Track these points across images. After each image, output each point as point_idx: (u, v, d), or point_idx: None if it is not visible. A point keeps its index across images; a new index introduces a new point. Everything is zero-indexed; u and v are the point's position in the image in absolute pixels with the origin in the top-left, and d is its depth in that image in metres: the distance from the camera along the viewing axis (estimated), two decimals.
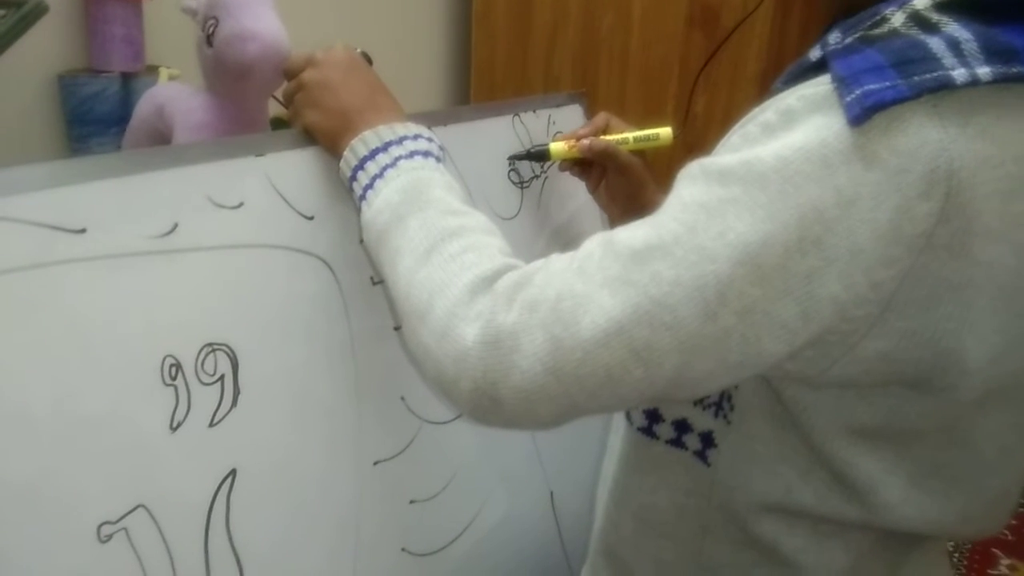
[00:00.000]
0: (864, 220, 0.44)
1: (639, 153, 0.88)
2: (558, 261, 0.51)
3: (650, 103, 1.59)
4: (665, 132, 0.87)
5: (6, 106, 1.08)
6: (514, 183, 0.95)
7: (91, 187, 0.53)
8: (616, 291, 0.47)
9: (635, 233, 0.49)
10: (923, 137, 0.44)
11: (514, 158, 0.93)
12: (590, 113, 1.09)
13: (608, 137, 0.87)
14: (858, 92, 0.44)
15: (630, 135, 0.88)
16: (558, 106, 1.04)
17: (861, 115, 0.44)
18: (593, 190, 0.92)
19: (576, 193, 1.03)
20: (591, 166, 0.90)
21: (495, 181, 0.92)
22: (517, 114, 0.96)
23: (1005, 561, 1.86)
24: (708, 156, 0.50)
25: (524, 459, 0.95)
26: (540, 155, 0.91)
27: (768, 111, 0.48)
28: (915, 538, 0.63)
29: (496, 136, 0.93)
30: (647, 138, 0.88)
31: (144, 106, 1.01)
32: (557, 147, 0.90)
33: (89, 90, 1.09)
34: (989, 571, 1.83)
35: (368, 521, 0.72)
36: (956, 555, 1.89)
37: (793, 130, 0.46)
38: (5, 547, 0.48)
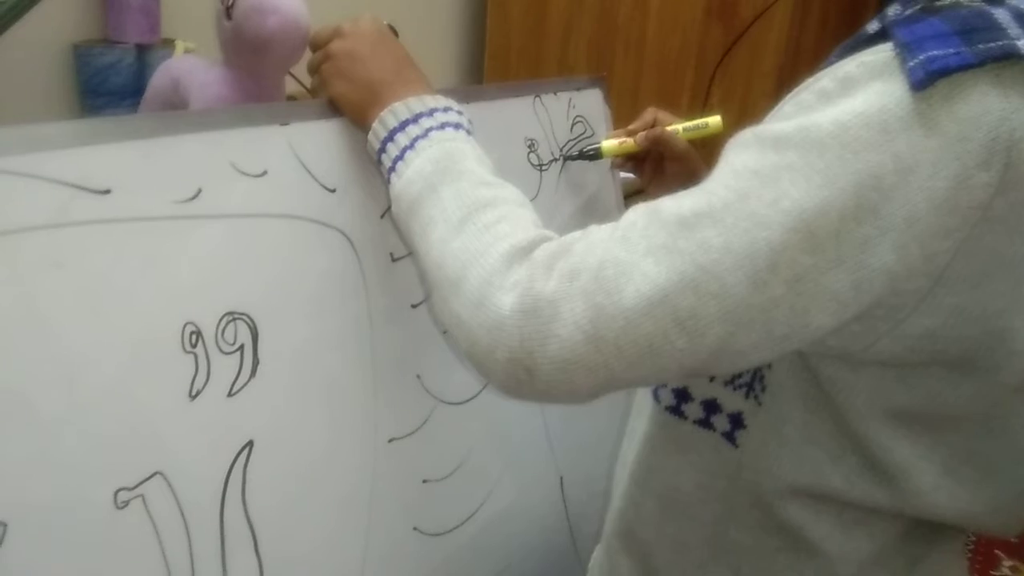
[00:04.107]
0: (922, 188, 0.44)
1: (692, 143, 0.89)
2: (599, 231, 0.50)
3: (666, 94, 1.58)
4: (715, 120, 0.88)
5: (21, 75, 1.07)
6: (533, 165, 0.94)
7: (116, 148, 0.52)
8: (661, 259, 0.46)
9: (682, 202, 0.48)
10: (985, 106, 0.43)
11: (568, 159, 0.96)
12: (609, 100, 1.08)
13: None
14: (922, 57, 0.43)
15: (679, 126, 0.89)
16: (578, 89, 1.03)
17: (925, 79, 0.43)
18: (647, 184, 0.92)
19: (595, 178, 1.02)
20: (644, 160, 0.92)
21: (514, 162, 0.91)
22: (538, 96, 0.95)
23: (1007, 563, 1.86)
24: (760, 124, 0.49)
25: (535, 443, 0.95)
26: (593, 154, 0.94)
27: (824, 79, 0.47)
28: (938, 534, 0.62)
29: (516, 117, 0.92)
30: (697, 127, 0.88)
31: (159, 79, 1.00)
32: (609, 145, 0.93)
33: (104, 61, 1.08)
34: (992, 572, 1.83)
35: (380, 498, 0.72)
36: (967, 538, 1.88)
37: (852, 96, 0.45)
38: (21, 509, 0.47)
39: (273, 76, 0.97)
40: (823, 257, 0.44)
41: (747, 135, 0.48)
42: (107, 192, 0.51)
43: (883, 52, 0.46)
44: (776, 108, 0.51)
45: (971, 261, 0.46)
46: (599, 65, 1.63)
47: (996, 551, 1.90)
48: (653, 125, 0.90)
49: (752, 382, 0.59)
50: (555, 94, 0.98)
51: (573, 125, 1.01)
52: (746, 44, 1.46)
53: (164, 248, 0.54)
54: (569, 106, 1.01)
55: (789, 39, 1.45)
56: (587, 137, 1.03)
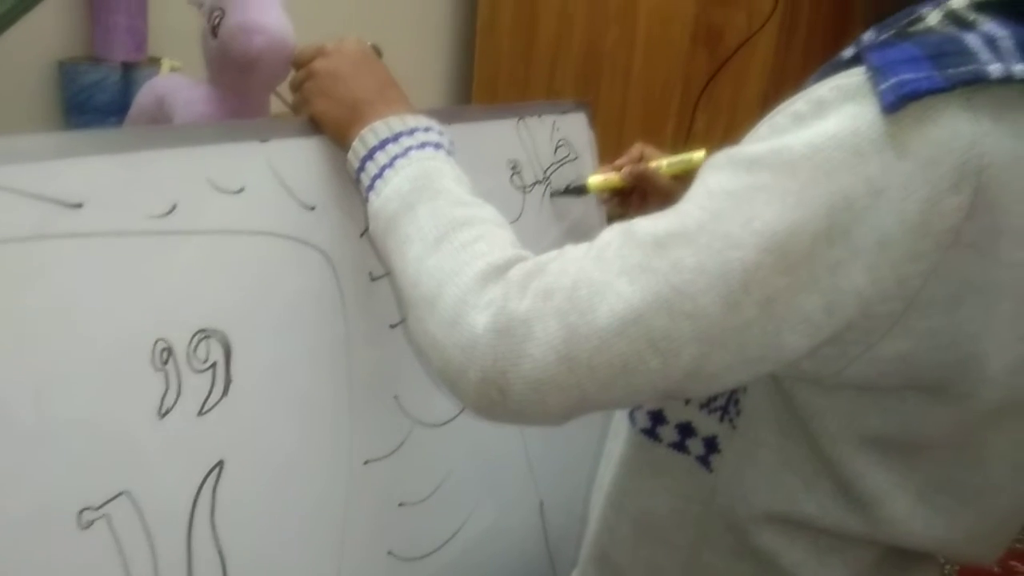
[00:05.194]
0: (893, 211, 0.44)
1: (677, 178, 0.90)
2: (574, 251, 0.50)
3: (651, 121, 1.59)
4: (699, 155, 0.89)
5: (5, 90, 1.07)
6: (516, 187, 0.94)
7: (90, 161, 0.52)
8: (635, 279, 0.46)
9: (657, 222, 0.48)
10: (955, 129, 0.44)
11: (554, 194, 0.97)
12: (594, 125, 1.09)
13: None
14: (893, 81, 0.44)
15: (664, 161, 0.91)
16: (563, 113, 1.03)
17: (896, 102, 0.43)
18: (632, 217, 0.93)
19: (578, 201, 1.02)
20: (630, 195, 0.93)
21: (497, 184, 0.91)
22: (521, 118, 0.96)
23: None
24: (735, 146, 0.49)
25: (515, 467, 0.94)
26: (579, 190, 0.96)
27: (798, 102, 0.48)
28: (913, 562, 0.62)
29: (499, 139, 0.93)
30: (681, 162, 0.89)
31: (144, 97, 1.00)
32: (595, 180, 0.94)
33: (90, 78, 1.08)
34: None
35: (355, 521, 0.71)
36: (947, 566, 1.87)
37: (825, 119, 0.46)
38: None
39: (258, 95, 0.98)
40: (795, 278, 0.45)
41: (721, 157, 0.49)
42: (79, 206, 0.51)
43: (856, 76, 0.47)
44: (753, 130, 0.51)
45: (943, 285, 0.46)
46: (586, 91, 1.64)
47: None
48: (640, 160, 0.91)
49: (727, 405, 0.59)
50: (539, 117, 0.99)
51: (557, 148, 1.02)
52: (731, 71, 1.48)
53: (137, 263, 0.54)
54: (553, 129, 1.01)
55: (774, 67, 1.46)
56: (571, 160, 1.04)
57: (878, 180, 0.44)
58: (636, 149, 0.92)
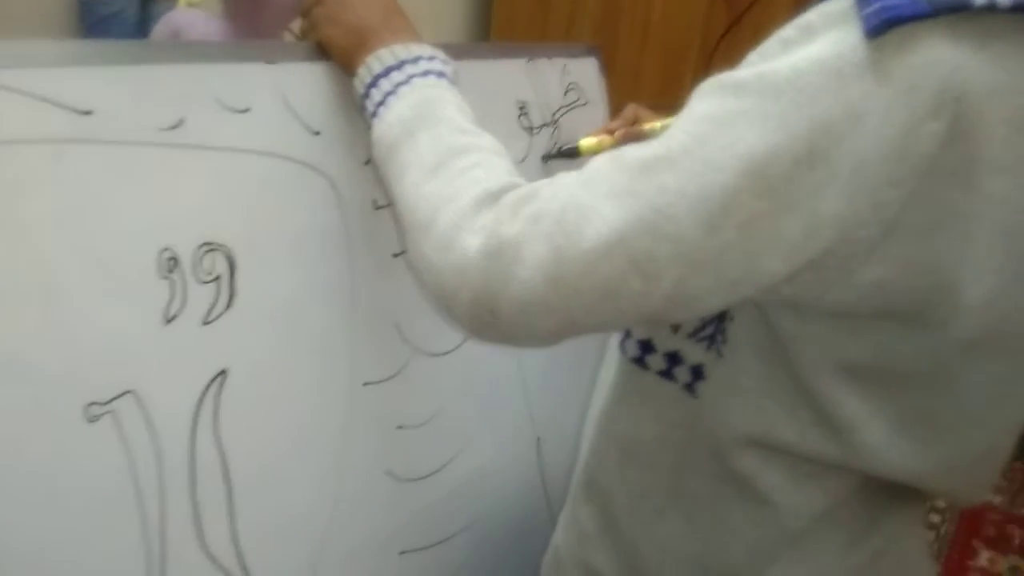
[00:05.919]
0: (872, 136, 0.44)
1: None
2: (565, 177, 0.51)
3: (668, 74, 1.58)
4: None
5: (24, 23, 1.08)
6: (524, 128, 0.95)
7: (100, 71, 0.53)
8: (621, 202, 0.47)
9: (644, 148, 0.49)
10: (936, 56, 0.44)
11: (546, 158, 0.96)
12: (607, 73, 1.09)
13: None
14: (877, 6, 0.44)
15: (658, 123, 0.89)
16: (573, 56, 1.03)
17: (879, 27, 0.44)
18: None
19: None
20: None
21: (504, 123, 0.92)
22: (532, 59, 0.96)
23: (986, 554, 1.87)
24: (724, 72, 0.50)
25: (513, 403, 0.96)
26: (571, 152, 0.94)
27: (788, 28, 0.48)
28: (895, 495, 0.64)
29: (508, 78, 0.93)
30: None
31: (160, 30, 1.02)
32: (588, 142, 0.93)
33: (108, 11, 1.09)
34: (969, 562, 1.84)
35: (354, 437, 0.73)
36: (936, 545, 1.90)
37: (811, 44, 0.46)
38: None
39: (272, 29, 0.99)
40: (775, 202, 0.45)
41: (710, 83, 0.49)
42: (89, 113, 0.52)
43: (842, 1, 0.47)
44: (746, 58, 0.52)
45: (921, 212, 0.46)
46: (603, 47, 1.63)
47: (974, 542, 1.91)
48: (634, 122, 0.91)
49: (714, 335, 0.60)
50: (549, 59, 0.99)
51: (567, 92, 1.02)
52: (748, 25, 1.46)
53: (144, 173, 0.56)
54: (563, 72, 1.01)
55: (791, 19, 1.45)
56: (580, 105, 1.04)
57: (858, 104, 0.44)
58: (630, 111, 0.92)
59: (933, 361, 0.54)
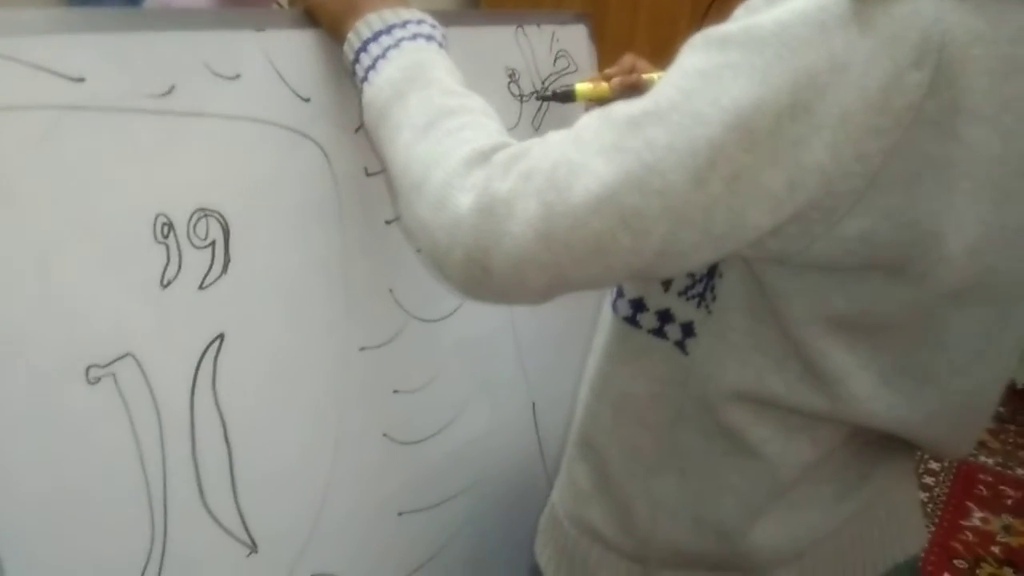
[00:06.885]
0: (855, 87, 0.45)
1: None
2: (556, 135, 0.52)
3: (659, 41, 1.58)
4: None
5: None
6: (513, 95, 0.95)
7: (91, 38, 0.54)
8: (610, 158, 0.47)
9: (633, 104, 0.49)
10: (918, 6, 0.45)
11: (539, 98, 0.95)
12: (596, 40, 1.09)
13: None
14: None
15: (655, 74, 0.89)
16: (562, 24, 1.03)
17: None
18: None
19: (576, 112, 1.03)
20: None
21: (494, 90, 0.92)
22: (520, 26, 0.96)
23: (978, 514, 1.90)
24: (711, 27, 0.50)
25: (509, 368, 0.97)
26: (565, 95, 0.93)
27: None
28: (885, 448, 0.65)
29: (498, 45, 0.93)
30: None
31: (151, 4, 1.01)
32: (583, 87, 0.92)
33: None
34: (962, 522, 1.87)
35: (351, 400, 0.74)
36: (930, 506, 1.93)
37: None
38: None
39: (261, 2, 0.98)
40: (760, 155, 0.46)
41: (697, 38, 0.50)
42: (81, 80, 0.53)
43: None
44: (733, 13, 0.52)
45: (904, 163, 0.47)
46: (595, 8, 1.63)
47: (967, 502, 1.94)
48: (631, 71, 0.91)
49: (704, 292, 0.61)
50: (538, 26, 0.99)
51: (556, 59, 1.02)
52: None
53: (136, 139, 0.56)
54: (552, 39, 1.01)
55: None
56: (570, 72, 1.04)
57: (841, 56, 0.45)
58: (628, 60, 0.91)
59: (918, 312, 0.55)
